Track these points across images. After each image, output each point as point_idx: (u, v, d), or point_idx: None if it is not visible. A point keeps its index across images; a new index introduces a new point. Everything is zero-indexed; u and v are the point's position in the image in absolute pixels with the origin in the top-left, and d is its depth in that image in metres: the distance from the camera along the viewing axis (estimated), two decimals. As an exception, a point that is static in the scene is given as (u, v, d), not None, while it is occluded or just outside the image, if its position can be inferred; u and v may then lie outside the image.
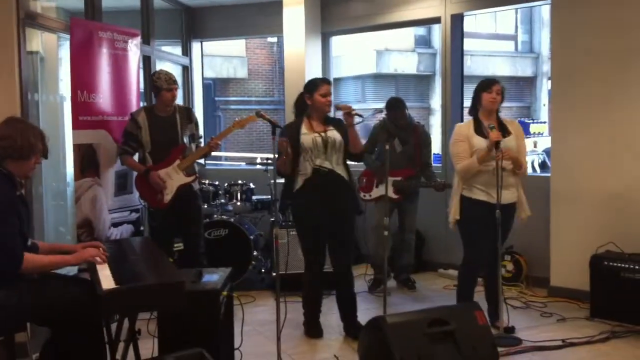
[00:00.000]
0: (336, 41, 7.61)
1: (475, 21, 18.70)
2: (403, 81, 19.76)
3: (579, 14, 5.24)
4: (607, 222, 5.12)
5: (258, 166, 6.59)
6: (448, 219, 4.61)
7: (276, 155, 4.15)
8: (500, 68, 21.08)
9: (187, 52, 7.75)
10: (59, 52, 5.69)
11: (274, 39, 17.47)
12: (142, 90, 5.78)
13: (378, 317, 3.63)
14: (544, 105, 21.54)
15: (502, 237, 4.43)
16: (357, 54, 17.54)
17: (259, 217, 6.55)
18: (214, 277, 3.65)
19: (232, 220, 5.88)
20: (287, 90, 7.24)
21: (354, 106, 4.58)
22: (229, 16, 7.64)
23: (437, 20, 6.54)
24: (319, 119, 4.50)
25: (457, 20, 6.44)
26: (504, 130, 4.46)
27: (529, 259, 5.84)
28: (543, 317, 4.97)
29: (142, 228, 5.47)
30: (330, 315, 4.89)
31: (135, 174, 5.05)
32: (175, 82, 4.85)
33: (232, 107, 17.76)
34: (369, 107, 17.92)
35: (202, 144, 5.11)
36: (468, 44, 6.85)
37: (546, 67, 20.98)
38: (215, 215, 5.96)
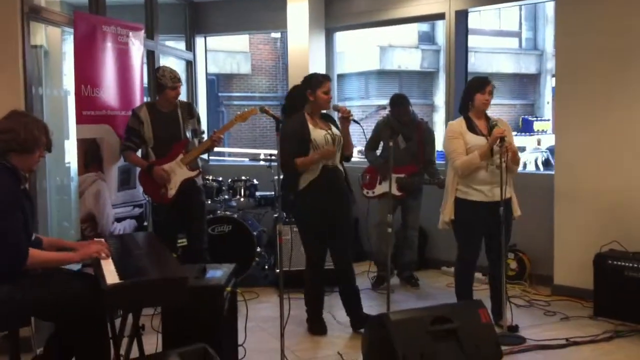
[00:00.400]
0: (339, 37, 7.59)
1: (480, 18, 18.67)
2: (406, 78, 19.73)
3: (584, 11, 5.22)
4: (611, 221, 5.11)
5: (261, 162, 6.59)
6: (441, 219, 4.60)
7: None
8: (504, 65, 21.05)
9: (190, 47, 7.73)
10: (62, 46, 5.68)
11: (278, 35, 17.47)
12: (145, 85, 5.77)
13: (381, 315, 3.63)
14: (548, 102, 21.51)
15: (505, 235, 4.42)
16: (360, 50, 17.52)
17: (262, 213, 6.54)
18: (217, 273, 3.64)
19: (235, 216, 5.87)
20: (291, 86, 7.22)
21: (358, 103, 4.59)
22: (233, 11, 7.62)
23: (441, 16, 6.51)
24: (318, 116, 4.50)
25: (462, 17, 6.42)
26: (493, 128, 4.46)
27: (532, 257, 5.83)
28: (546, 315, 4.96)
29: (145, 223, 5.47)
30: (333, 312, 4.89)
31: (138, 169, 5.04)
32: (179, 80, 4.86)
33: (236, 102, 17.75)
34: (372, 103, 17.93)
35: (205, 139, 5.10)
36: (472, 41, 6.83)
37: (550, 64, 20.96)
38: (218, 211, 5.95)
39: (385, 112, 5.87)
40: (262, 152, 6.62)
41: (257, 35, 17.31)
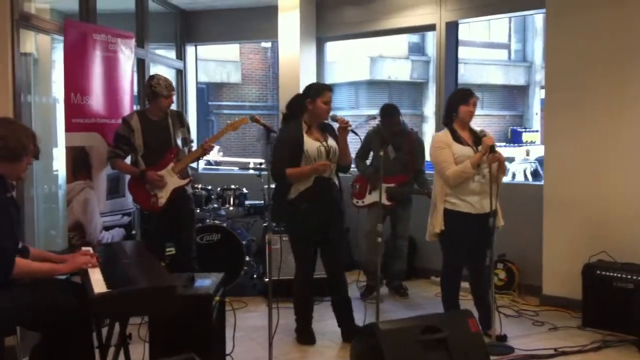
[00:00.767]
0: (330, 47, 7.61)
1: (469, 29, 18.78)
2: (396, 88, 19.82)
3: (574, 23, 5.26)
4: (599, 231, 5.13)
5: (251, 171, 6.58)
6: (429, 231, 4.61)
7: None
8: (493, 76, 21.19)
9: (181, 55, 7.73)
10: (52, 54, 5.67)
11: (268, 44, 17.49)
12: (135, 93, 5.75)
13: (371, 324, 3.62)
14: (537, 114, 21.66)
15: (488, 245, 4.43)
16: (350, 61, 17.58)
17: (251, 222, 6.52)
18: (206, 282, 3.62)
19: (224, 225, 5.86)
20: (282, 95, 7.23)
21: (348, 112, 4.60)
22: (224, 20, 7.63)
23: (432, 27, 6.56)
24: (316, 126, 4.49)
25: (452, 28, 6.46)
26: (479, 139, 4.48)
27: (521, 267, 5.84)
28: (535, 325, 4.97)
29: (133, 232, 5.44)
30: (322, 322, 4.87)
31: (127, 177, 5.02)
32: (174, 88, 4.89)
33: (225, 111, 17.74)
34: (362, 113, 17.95)
35: (194, 148, 5.09)
36: (461, 52, 6.87)
37: (539, 76, 21.12)
38: (207, 220, 5.93)
39: (375, 122, 5.88)
40: (252, 161, 6.61)
41: (247, 45, 17.34)
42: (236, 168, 9.06)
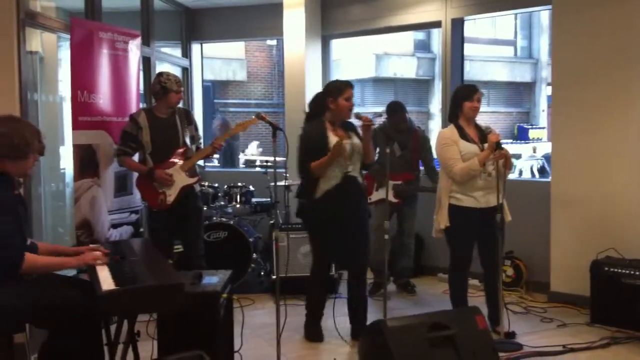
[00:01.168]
0: (335, 45, 7.60)
1: (475, 26, 18.71)
2: (402, 85, 19.79)
3: (580, 20, 5.24)
4: (607, 228, 5.11)
5: (257, 168, 6.58)
6: (435, 227, 4.60)
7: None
8: (499, 73, 21.12)
9: (186, 53, 7.74)
10: (58, 52, 5.68)
11: (273, 42, 17.48)
12: (141, 91, 5.76)
13: (378, 321, 3.61)
14: (543, 110, 21.59)
15: (497, 241, 4.42)
16: (356, 58, 17.55)
17: (258, 219, 6.53)
18: (213, 279, 3.63)
19: (231, 222, 5.86)
20: (287, 93, 7.24)
21: (353, 110, 4.55)
22: (229, 18, 7.63)
23: (437, 24, 6.54)
24: (339, 124, 4.47)
25: (458, 25, 6.44)
26: (484, 136, 4.47)
27: (529, 264, 5.82)
28: (543, 322, 4.96)
29: (141, 229, 5.44)
30: (330, 319, 4.85)
31: (136, 174, 5.02)
32: (182, 84, 4.89)
33: (231, 109, 17.74)
34: (368, 110, 17.94)
35: (202, 146, 5.09)
36: (467, 49, 6.85)
37: (545, 72, 21.04)
38: (214, 218, 5.93)
39: (381, 120, 5.87)
40: (258, 159, 6.61)
41: (252, 43, 17.33)
42: (243, 165, 9.06)
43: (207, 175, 7.13)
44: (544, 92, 21.43)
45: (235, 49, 17.37)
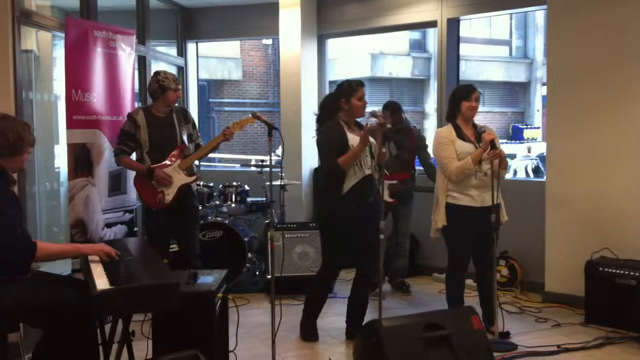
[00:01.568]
0: (331, 44, 7.60)
1: (470, 26, 18.75)
2: (397, 85, 19.81)
3: (575, 19, 5.25)
4: (602, 228, 5.12)
5: (253, 168, 6.57)
6: (433, 227, 4.60)
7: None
8: (494, 73, 21.16)
9: (182, 52, 7.72)
10: (53, 51, 5.66)
11: (269, 41, 17.47)
12: (136, 90, 5.74)
13: (373, 321, 3.61)
14: (538, 110, 21.63)
15: (491, 240, 4.42)
16: (351, 57, 17.56)
17: (253, 219, 6.52)
18: (209, 279, 3.62)
19: (226, 222, 5.85)
20: (283, 92, 7.23)
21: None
22: (225, 17, 7.62)
23: (433, 24, 6.55)
24: (353, 123, 4.46)
25: (453, 25, 6.45)
26: (481, 135, 4.48)
27: (523, 264, 5.83)
28: (538, 322, 4.97)
29: (135, 229, 5.43)
30: (325, 318, 4.85)
31: (130, 173, 5.00)
32: (179, 82, 4.88)
33: (226, 109, 17.73)
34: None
35: (201, 144, 5.07)
36: (462, 49, 6.86)
37: (540, 72, 21.09)
38: (209, 217, 5.93)
39: (373, 121, 5.85)
40: (253, 158, 6.60)
41: (248, 42, 17.32)
42: (238, 165, 9.03)
43: (203, 175, 7.12)
44: (539, 92, 21.48)
45: (230, 48, 17.35)
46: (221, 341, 3.71)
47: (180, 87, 4.87)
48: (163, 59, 7.31)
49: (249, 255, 5.83)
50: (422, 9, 6.53)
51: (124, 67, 5.29)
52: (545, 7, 5.56)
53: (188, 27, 7.75)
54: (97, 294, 2.85)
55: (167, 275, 3.19)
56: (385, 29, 7.15)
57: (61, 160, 5.34)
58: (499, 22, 21.06)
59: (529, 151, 15.03)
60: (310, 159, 7.04)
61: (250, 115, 4.27)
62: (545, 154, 5.83)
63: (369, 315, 4.58)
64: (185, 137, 4.90)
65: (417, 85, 20.20)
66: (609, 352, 4.34)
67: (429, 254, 6.44)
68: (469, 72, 18.97)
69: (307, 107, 7.03)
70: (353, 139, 4.34)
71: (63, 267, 4.68)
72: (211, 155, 5.58)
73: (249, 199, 6.26)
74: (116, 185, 5.18)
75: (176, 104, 4.94)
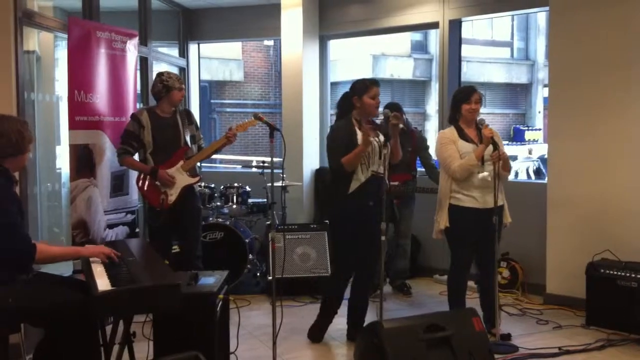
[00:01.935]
0: (333, 45, 7.60)
1: (472, 28, 18.76)
2: (399, 86, 19.81)
3: (577, 21, 5.25)
4: (603, 230, 5.12)
5: (254, 169, 6.57)
6: (435, 228, 4.60)
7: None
8: (496, 75, 21.16)
9: (184, 53, 7.73)
10: (55, 52, 5.66)
11: (270, 42, 17.48)
12: (138, 91, 5.75)
13: (374, 323, 3.62)
14: (539, 112, 21.63)
15: (494, 242, 4.42)
16: (353, 59, 17.56)
17: (254, 220, 6.52)
18: (210, 280, 3.62)
19: (227, 223, 5.85)
20: (284, 93, 7.23)
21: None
22: (227, 18, 7.62)
23: (435, 25, 6.54)
24: (366, 121, 4.44)
25: (455, 26, 6.45)
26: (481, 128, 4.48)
27: (524, 266, 5.83)
28: (539, 324, 4.96)
29: (137, 230, 5.43)
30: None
31: (132, 174, 5.00)
32: (183, 82, 4.92)
33: (228, 110, 17.73)
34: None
35: (204, 146, 5.07)
36: (464, 51, 6.85)
37: (541, 74, 21.09)
38: (210, 218, 5.93)
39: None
40: (255, 159, 6.60)
41: (249, 43, 17.32)
42: (239, 166, 9.04)
43: (204, 176, 7.10)
44: (541, 93, 21.48)
45: (232, 49, 17.36)
46: (222, 342, 3.71)
47: (184, 86, 4.88)
48: (165, 59, 7.32)
49: (250, 256, 5.83)
50: (424, 10, 6.53)
51: (126, 68, 5.29)
52: (547, 8, 5.56)
53: (190, 28, 7.76)
54: (98, 295, 2.85)
55: (169, 277, 3.19)
56: (387, 30, 7.15)
57: (62, 161, 5.35)
58: (501, 24, 21.07)
59: (530, 153, 15.01)
60: (311, 160, 7.04)
61: (252, 118, 4.27)
62: (546, 156, 5.82)
63: (370, 317, 4.57)
64: (188, 138, 4.90)
65: (418, 87, 20.20)
66: (611, 354, 4.34)
67: (430, 255, 6.44)
68: (470, 73, 18.97)
69: (308, 108, 7.04)
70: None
71: (64, 268, 4.68)
72: (213, 156, 5.58)
73: (250, 200, 6.26)
74: (118, 186, 5.18)
75: (180, 106, 4.95)
